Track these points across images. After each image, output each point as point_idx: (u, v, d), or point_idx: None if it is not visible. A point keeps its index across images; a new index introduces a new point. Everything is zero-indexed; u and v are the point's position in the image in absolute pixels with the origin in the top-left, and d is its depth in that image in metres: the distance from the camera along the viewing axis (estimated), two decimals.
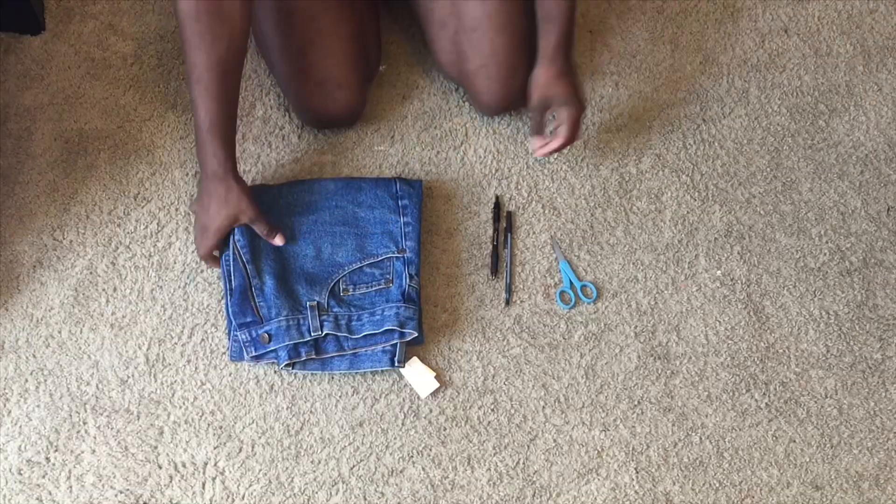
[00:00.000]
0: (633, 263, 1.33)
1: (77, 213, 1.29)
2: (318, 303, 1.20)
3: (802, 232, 1.37)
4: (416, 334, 1.20)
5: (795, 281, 1.34)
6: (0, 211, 1.28)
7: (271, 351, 1.18)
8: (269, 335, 1.18)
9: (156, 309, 1.24)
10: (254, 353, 1.17)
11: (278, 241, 1.22)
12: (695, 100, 1.46)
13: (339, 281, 1.23)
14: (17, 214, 1.28)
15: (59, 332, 1.21)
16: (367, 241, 1.26)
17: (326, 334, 1.19)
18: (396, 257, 1.25)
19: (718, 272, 1.33)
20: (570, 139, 1.27)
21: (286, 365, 1.18)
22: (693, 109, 1.45)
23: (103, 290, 1.24)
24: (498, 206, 1.33)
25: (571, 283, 1.29)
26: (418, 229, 1.28)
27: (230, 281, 1.21)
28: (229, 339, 1.20)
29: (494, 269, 1.29)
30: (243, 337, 1.18)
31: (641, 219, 1.36)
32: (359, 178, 1.32)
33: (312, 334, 1.18)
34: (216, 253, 1.22)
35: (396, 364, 1.19)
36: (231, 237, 1.22)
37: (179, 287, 1.25)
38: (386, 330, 1.19)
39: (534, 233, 1.33)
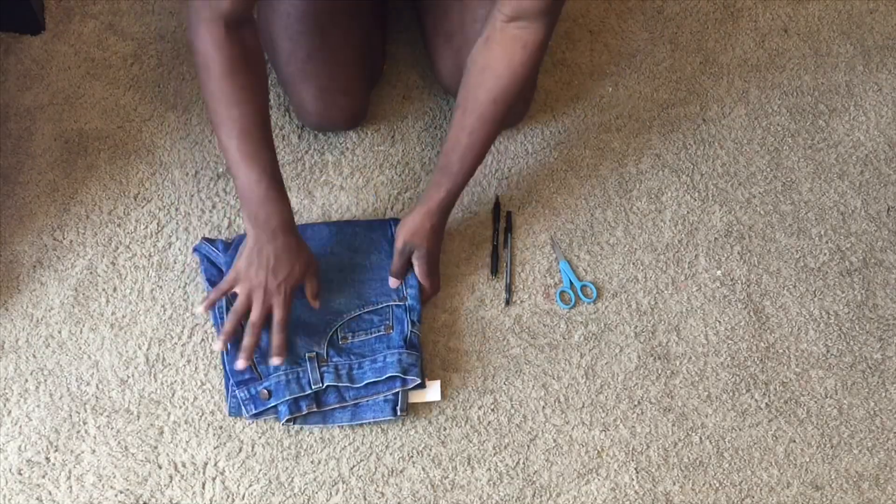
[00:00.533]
0: (633, 263, 1.33)
1: (77, 213, 1.29)
2: (318, 354, 1.18)
3: (802, 232, 1.37)
4: (419, 381, 1.18)
5: (795, 281, 1.34)
6: (0, 211, 1.28)
7: (271, 407, 1.16)
8: (269, 391, 1.15)
9: (156, 309, 1.24)
10: (254, 411, 1.15)
11: (316, 304, 1.18)
12: (695, 100, 1.46)
13: (337, 329, 1.21)
14: (17, 214, 1.28)
15: (59, 332, 1.21)
16: (365, 287, 1.24)
17: (327, 386, 1.17)
18: (397, 304, 1.23)
19: (718, 272, 1.33)
20: (431, 293, 1.23)
21: (287, 420, 1.15)
22: (693, 109, 1.45)
23: (103, 290, 1.24)
24: (498, 206, 1.33)
25: (571, 283, 1.29)
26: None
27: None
28: (227, 394, 1.18)
29: (494, 269, 1.29)
30: (242, 395, 1.16)
31: (641, 219, 1.36)
32: (352, 221, 1.30)
33: (313, 387, 1.16)
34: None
35: (399, 413, 1.17)
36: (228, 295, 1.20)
37: (179, 287, 1.25)
38: (388, 377, 1.17)
39: (534, 233, 1.33)
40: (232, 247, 1.24)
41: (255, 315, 1.11)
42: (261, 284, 1.11)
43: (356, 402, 1.17)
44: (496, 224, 1.32)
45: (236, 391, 1.16)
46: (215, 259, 1.23)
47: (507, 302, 1.28)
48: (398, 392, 1.17)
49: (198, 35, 1.02)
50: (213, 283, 1.22)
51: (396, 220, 1.30)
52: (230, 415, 1.17)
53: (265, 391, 1.15)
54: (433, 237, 1.20)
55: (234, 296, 1.13)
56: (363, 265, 1.26)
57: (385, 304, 1.23)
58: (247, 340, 1.11)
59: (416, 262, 1.22)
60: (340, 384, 1.17)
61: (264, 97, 1.07)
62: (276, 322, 1.12)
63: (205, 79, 1.03)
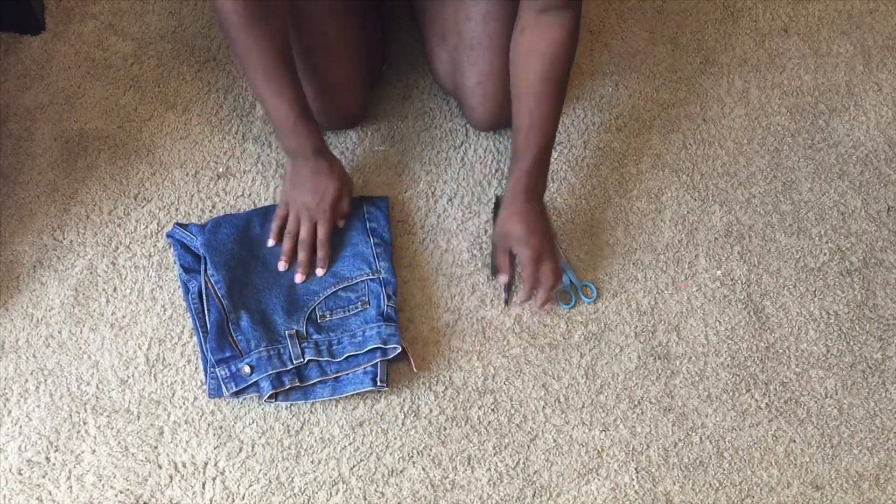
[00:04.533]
0: (633, 263, 1.33)
1: (77, 213, 1.29)
2: (297, 331, 1.19)
3: (802, 232, 1.37)
4: (400, 349, 1.19)
5: (795, 281, 1.34)
6: (0, 211, 1.28)
7: (252, 385, 1.16)
8: (251, 367, 1.16)
9: (156, 309, 1.24)
10: (234, 389, 1.15)
11: (340, 224, 1.26)
12: (695, 100, 1.46)
13: (315, 308, 1.22)
14: (17, 214, 1.28)
15: (59, 332, 1.21)
16: (339, 265, 1.25)
17: (308, 361, 1.18)
18: (371, 279, 1.24)
19: (718, 272, 1.33)
20: (533, 285, 1.20)
21: (269, 397, 1.16)
22: (693, 109, 1.45)
23: (103, 290, 1.24)
24: (498, 206, 1.33)
25: (571, 282, 1.29)
26: (390, 249, 1.27)
27: (204, 318, 1.20)
28: (206, 376, 1.18)
29: (494, 271, 1.29)
30: (222, 373, 1.16)
31: (641, 219, 1.36)
32: None
33: (294, 362, 1.17)
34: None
35: (379, 384, 1.17)
36: (204, 271, 1.21)
37: (179, 287, 1.25)
38: (368, 350, 1.18)
39: None
40: (207, 228, 1.25)
41: (303, 233, 1.23)
42: (305, 205, 1.23)
43: (337, 375, 1.18)
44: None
45: (216, 370, 1.16)
46: (190, 243, 1.25)
47: (507, 302, 1.28)
48: (377, 364, 1.18)
49: None
50: (186, 268, 1.23)
51: (367, 198, 1.31)
52: (210, 397, 1.17)
53: (247, 367, 1.16)
54: (518, 223, 1.20)
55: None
56: (336, 242, 1.27)
57: (360, 280, 1.24)
58: (301, 256, 1.23)
59: (518, 255, 1.21)
60: (321, 359, 1.18)
61: (284, 39, 1.13)
62: (319, 238, 1.23)
63: (226, 31, 1.10)
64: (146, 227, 1.29)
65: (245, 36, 1.09)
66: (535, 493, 1.18)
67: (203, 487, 1.15)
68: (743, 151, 1.43)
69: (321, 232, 1.23)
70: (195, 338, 1.21)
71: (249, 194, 1.32)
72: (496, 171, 1.37)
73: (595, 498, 1.19)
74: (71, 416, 1.17)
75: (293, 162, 1.23)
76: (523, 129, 1.17)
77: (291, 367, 1.17)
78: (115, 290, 1.24)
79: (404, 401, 1.21)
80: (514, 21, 1.17)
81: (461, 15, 1.26)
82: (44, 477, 1.14)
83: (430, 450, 1.19)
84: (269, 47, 1.10)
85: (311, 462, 1.17)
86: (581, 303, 1.29)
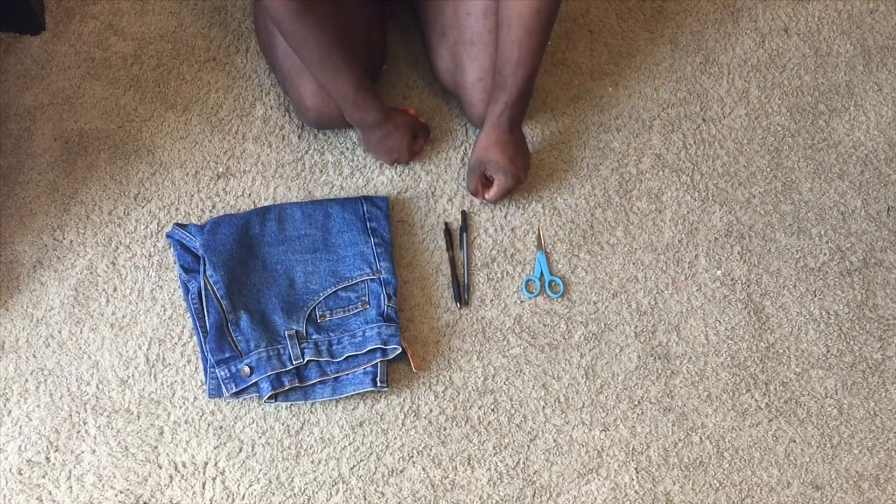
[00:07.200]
0: (633, 263, 1.33)
1: (77, 213, 1.29)
2: (297, 331, 1.19)
3: (802, 232, 1.37)
4: (400, 350, 1.19)
5: (795, 281, 1.34)
6: (0, 211, 1.28)
7: (252, 385, 1.16)
8: (251, 367, 1.16)
9: (156, 309, 1.24)
10: (234, 389, 1.16)
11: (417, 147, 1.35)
12: (695, 100, 1.46)
13: (315, 308, 1.22)
14: (17, 214, 1.28)
15: (59, 332, 1.21)
16: (339, 265, 1.26)
17: (308, 361, 1.18)
18: (372, 279, 1.24)
19: (718, 272, 1.33)
20: (493, 199, 1.31)
21: (269, 397, 1.16)
22: (693, 109, 1.45)
23: (103, 290, 1.24)
24: (447, 231, 1.31)
25: (542, 274, 1.29)
26: (390, 249, 1.27)
27: (204, 318, 1.20)
28: (206, 376, 1.18)
29: (459, 298, 1.27)
30: (222, 373, 1.16)
31: (641, 219, 1.36)
32: (323, 201, 1.31)
33: (294, 363, 1.17)
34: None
35: (379, 384, 1.18)
36: (203, 272, 1.21)
37: (179, 287, 1.25)
38: (368, 350, 1.19)
39: (534, 232, 1.33)
40: (206, 229, 1.25)
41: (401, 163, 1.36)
42: (386, 161, 1.34)
43: (337, 375, 1.18)
44: (450, 252, 1.30)
45: (216, 370, 1.17)
46: (189, 243, 1.25)
47: (467, 303, 1.27)
48: (377, 364, 1.18)
49: (268, 5, 1.12)
50: (186, 268, 1.23)
51: (368, 198, 1.31)
52: (210, 397, 1.17)
53: (246, 367, 1.16)
54: (500, 151, 1.25)
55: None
56: (337, 244, 1.27)
57: (360, 279, 1.24)
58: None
59: (494, 178, 1.28)
60: (321, 359, 1.18)
61: (334, 25, 1.17)
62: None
63: (279, 25, 1.15)
64: (146, 227, 1.29)
65: (297, 27, 1.13)
66: (535, 493, 1.18)
67: (203, 487, 1.15)
68: (743, 151, 1.43)
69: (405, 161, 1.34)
70: (195, 338, 1.21)
71: (249, 194, 1.32)
72: None
73: (595, 498, 1.19)
74: (71, 416, 1.17)
75: (363, 132, 1.29)
76: (512, 60, 1.19)
77: (291, 367, 1.17)
78: (115, 290, 1.24)
79: (404, 401, 1.21)
80: None
81: (461, 11, 1.26)
82: (44, 477, 1.14)
83: (430, 450, 1.19)
84: (322, 33, 1.15)
85: (311, 462, 1.17)
86: (545, 295, 1.29)
